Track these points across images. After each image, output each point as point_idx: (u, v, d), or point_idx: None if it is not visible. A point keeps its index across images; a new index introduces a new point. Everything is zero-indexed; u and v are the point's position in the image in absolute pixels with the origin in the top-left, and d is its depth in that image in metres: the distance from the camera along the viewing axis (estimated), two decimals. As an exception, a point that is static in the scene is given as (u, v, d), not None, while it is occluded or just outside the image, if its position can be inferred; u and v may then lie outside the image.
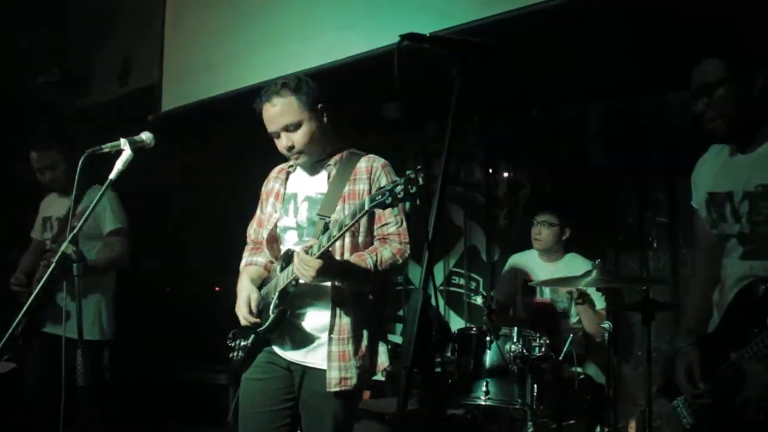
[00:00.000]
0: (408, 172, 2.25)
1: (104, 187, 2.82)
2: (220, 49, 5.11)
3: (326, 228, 2.70)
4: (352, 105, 5.02)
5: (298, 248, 2.75)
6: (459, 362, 3.58)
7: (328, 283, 2.73)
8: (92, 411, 3.99)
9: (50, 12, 6.30)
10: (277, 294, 2.77)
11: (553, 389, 3.52)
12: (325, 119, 2.86)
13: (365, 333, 2.80)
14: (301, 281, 2.66)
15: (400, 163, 5.81)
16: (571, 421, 3.70)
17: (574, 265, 4.30)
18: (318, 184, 2.90)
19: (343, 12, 4.39)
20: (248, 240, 3.15)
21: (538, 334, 3.53)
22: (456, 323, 5.60)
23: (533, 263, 4.50)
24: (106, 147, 2.83)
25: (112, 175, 2.81)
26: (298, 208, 2.91)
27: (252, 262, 3.06)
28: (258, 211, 3.11)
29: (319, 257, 2.55)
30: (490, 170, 5.71)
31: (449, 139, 1.80)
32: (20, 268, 4.34)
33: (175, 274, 6.55)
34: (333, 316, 2.74)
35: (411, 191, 2.23)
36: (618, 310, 4.46)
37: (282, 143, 2.81)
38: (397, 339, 4.80)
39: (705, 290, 2.81)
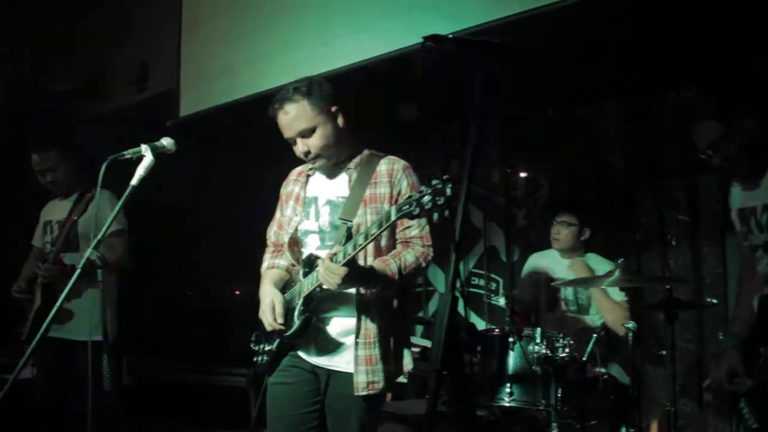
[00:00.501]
0: (435, 182, 2.23)
1: (126, 193, 2.84)
2: (238, 54, 5.12)
3: (349, 232, 2.70)
4: (369, 106, 5.06)
5: (321, 253, 2.75)
6: (482, 363, 3.57)
7: (353, 289, 2.72)
8: (116, 415, 4.02)
9: (67, 20, 6.35)
10: (301, 300, 2.76)
11: (577, 390, 3.50)
12: (340, 121, 2.83)
13: (391, 337, 2.78)
14: (325, 287, 2.64)
15: (418, 164, 5.87)
16: (594, 422, 3.67)
17: (595, 264, 4.29)
18: (339, 187, 2.88)
19: (359, 15, 4.39)
20: (268, 242, 3.14)
21: (561, 335, 3.51)
22: (476, 324, 5.59)
23: (554, 262, 4.49)
24: (128, 153, 2.83)
25: (134, 181, 2.82)
26: (320, 211, 2.89)
27: (274, 265, 3.04)
28: (277, 213, 3.10)
29: (344, 265, 2.53)
30: (508, 171, 5.70)
31: (474, 141, 1.80)
32: (22, 276, 4.35)
33: (193, 276, 6.58)
34: (359, 320, 2.73)
35: (438, 202, 2.22)
36: (641, 310, 4.46)
37: (298, 149, 2.80)
38: (418, 341, 4.81)
39: (748, 299, 3.01)
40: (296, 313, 2.76)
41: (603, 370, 3.68)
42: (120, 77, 6.27)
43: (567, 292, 4.37)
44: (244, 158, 6.27)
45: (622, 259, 3.65)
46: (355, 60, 4.31)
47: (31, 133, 5.17)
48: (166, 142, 2.91)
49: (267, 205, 3.20)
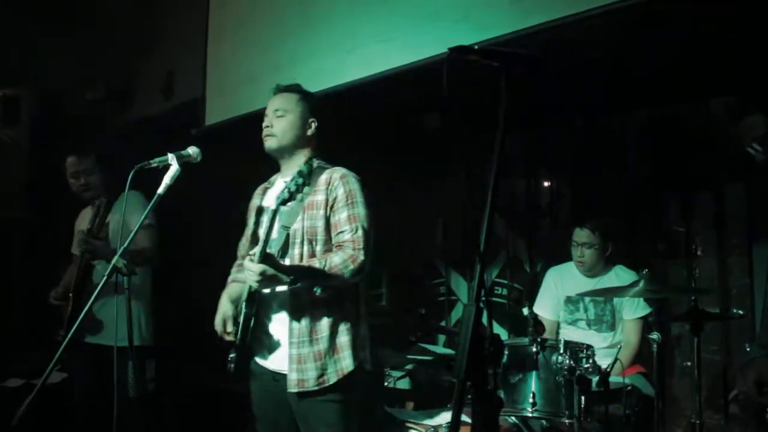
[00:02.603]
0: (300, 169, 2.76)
1: (152, 201, 2.88)
2: (263, 62, 5.16)
3: (287, 238, 2.90)
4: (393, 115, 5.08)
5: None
6: (505, 374, 3.55)
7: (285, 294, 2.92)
8: (143, 421, 4.06)
9: (95, 29, 6.43)
10: (244, 304, 2.94)
11: (601, 401, 3.47)
12: (309, 132, 3.12)
13: (323, 337, 2.93)
14: (253, 287, 2.85)
15: (441, 172, 5.87)
16: (618, 433, 3.65)
17: (621, 278, 4.24)
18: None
19: (385, 24, 4.40)
20: (239, 254, 3.33)
21: (585, 345, 3.48)
22: (499, 334, 5.55)
23: (572, 278, 4.43)
24: (154, 162, 2.90)
25: (161, 190, 2.88)
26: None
27: (235, 279, 3.23)
28: (247, 227, 3.29)
29: (260, 262, 2.71)
30: (532, 180, 5.68)
31: (498, 151, 1.81)
32: (61, 283, 4.40)
33: (221, 285, 6.60)
34: (290, 321, 2.92)
35: (299, 182, 2.71)
36: (667, 321, 4.42)
37: (264, 123, 3.10)
38: (440, 350, 4.79)
39: None
40: (241, 316, 2.95)
41: (627, 381, 3.64)
42: (147, 86, 6.34)
43: (589, 312, 4.32)
44: (270, 166, 6.29)
45: (646, 270, 3.62)
46: (380, 69, 4.33)
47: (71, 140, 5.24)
48: (192, 150, 2.97)
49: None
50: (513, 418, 3.67)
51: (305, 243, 2.93)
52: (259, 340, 3.01)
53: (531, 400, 3.40)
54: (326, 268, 2.82)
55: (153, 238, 4.27)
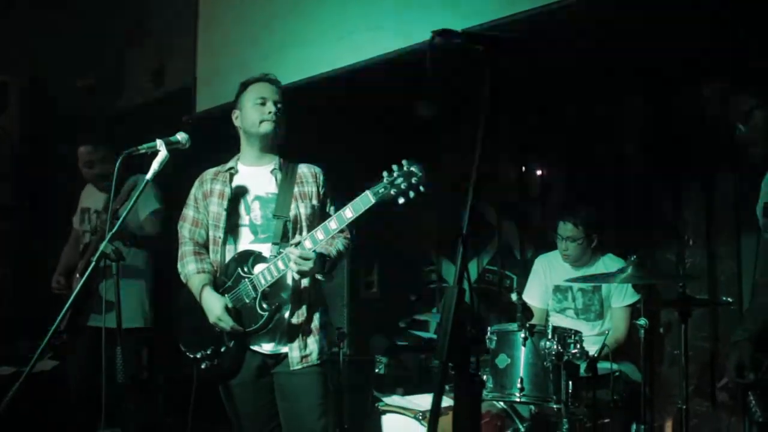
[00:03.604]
0: (403, 163, 2.54)
1: (141, 187, 2.90)
2: (253, 50, 5.15)
3: (285, 226, 3.03)
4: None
5: (254, 247, 3.07)
6: (493, 359, 3.56)
7: (289, 278, 3.04)
8: (133, 407, 4.06)
9: (85, 16, 6.40)
10: (260, 295, 3.00)
11: (588, 386, 3.49)
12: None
13: (317, 314, 3.17)
14: (296, 276, 2.96)
15: (434, 160, 5.86)
16: (606, 420, 3.66)
17: (609, 267, 4.24)
18: (266, 184, 3.18)
19: (374, 10, 4.41)
20: (184, 239, 3.29)
21: (573, 331, 3.50)
22: (490, 321, 5.56)
23: (561, 266, 4.43)
24: (143, 148, 2.92)
25: (149, 176, 2.91)
26: (250, 206, 3.15)
27: (202, 270, 3.21)
28: (191, 212, 3.29)
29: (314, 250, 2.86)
30: (523, 168, 5.67)
31: (481, 135, 1.81)
32: (60, 267, 4.40)
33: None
34: (293, 303, 3.09)
35: (414, 181, 2.57)
36: (654, 307, 4.42)
37: (269, 108, 3.16)
38: (431, 336, 4.81)
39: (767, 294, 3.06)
40: (257, 308, 3.00)
41: (615, 366, 3.66)
42: (137, 73, 6.32)
43: (577, 302, 4.33)
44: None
45: (634, 256, 3.63)
46: (369, 55, 4.33)
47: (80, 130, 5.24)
48: (181, 137, 2.99)
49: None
50: (501, 403, 3.70)
51: (305, 230, 3.06)
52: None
53: (519, 386, 3.42)
54: (339, 252, 3.11)
55: (158, 224, 4.34)
